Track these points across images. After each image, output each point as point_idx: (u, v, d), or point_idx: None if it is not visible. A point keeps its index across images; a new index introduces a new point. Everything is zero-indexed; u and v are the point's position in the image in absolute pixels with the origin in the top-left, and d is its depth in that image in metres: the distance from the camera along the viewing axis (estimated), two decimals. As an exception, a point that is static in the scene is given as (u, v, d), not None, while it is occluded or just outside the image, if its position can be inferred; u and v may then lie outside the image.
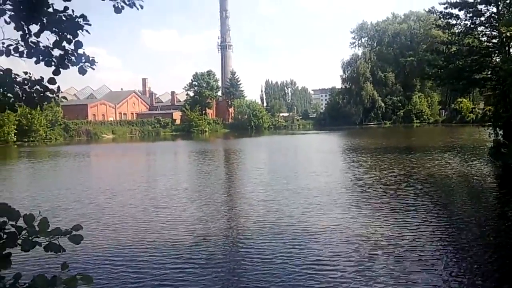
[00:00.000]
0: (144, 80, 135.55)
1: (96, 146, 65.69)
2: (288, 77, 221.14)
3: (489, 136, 32.16)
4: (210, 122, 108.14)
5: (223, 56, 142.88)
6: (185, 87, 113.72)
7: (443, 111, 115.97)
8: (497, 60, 37.59)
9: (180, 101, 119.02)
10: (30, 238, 2.62)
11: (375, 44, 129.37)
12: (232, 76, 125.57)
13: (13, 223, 2.69)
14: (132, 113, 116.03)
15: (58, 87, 3.86)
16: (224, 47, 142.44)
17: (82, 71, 3.90)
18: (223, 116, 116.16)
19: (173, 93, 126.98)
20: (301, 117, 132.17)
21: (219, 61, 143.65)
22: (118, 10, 4.20)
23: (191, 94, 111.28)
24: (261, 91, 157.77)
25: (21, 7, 3.56)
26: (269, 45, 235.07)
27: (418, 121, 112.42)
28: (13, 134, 71.43)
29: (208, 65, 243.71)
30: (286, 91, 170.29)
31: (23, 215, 2.73)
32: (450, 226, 12.55)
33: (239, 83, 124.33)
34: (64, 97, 3.97)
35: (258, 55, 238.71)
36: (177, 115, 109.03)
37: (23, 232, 2.66)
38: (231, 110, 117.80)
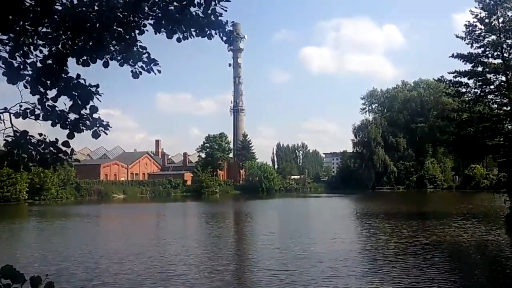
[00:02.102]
0: (157, 141, 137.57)
1: (106, 206, 65.50)
2: (299, 140, 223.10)
3: (505, 203, 31.53)
4: (221, 184, 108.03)
5: (235, 119, 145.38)
6: (197, 148, 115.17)
7: (457, 176, 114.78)
8: (509, 127, 37.68)
9: (192, 162, 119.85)
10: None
11: (385, 110, 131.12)
12: (244, 138, 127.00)
13: (18, 286, 2.63)
14: (144, 174, 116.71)
15: (72, 149, 3.94)
16: (236, 110, 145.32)
17: (96, 135, 3.99)
18: (234, 177, 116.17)
19: (185, 154, 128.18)
20: (312, 180, 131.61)
21: (231, 124, 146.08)
22: (135, 75, 4.35)
23: (203, 155, 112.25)
24: (273, 153, 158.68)
25: (40, 72, 3.71)
26: (281, 109, 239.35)
27: (431, 186, 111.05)
28: (24, 193, 71.78)
29: (220, 127, 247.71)
30: (297, 154, 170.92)
31: (30, 277, 2.67)
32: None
33: (250, 145, 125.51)
34: (77, 159, 4.01)
35: (270, 119, 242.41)
36: (188, 176, 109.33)
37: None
38: (242, 171, 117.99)
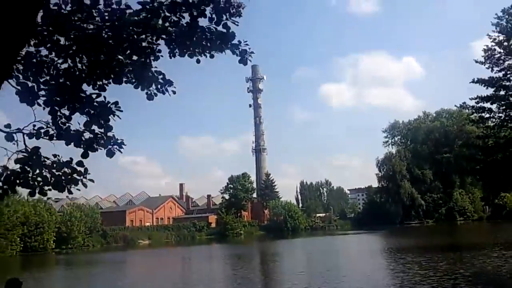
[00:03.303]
0: (181, 185, 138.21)
1: (132, 253, 65.26)
2: (323, 177, 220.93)
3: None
4: (246, 225, 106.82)
5: (258, 159, 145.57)
6: (220, 190, 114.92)
7: (487, 207, 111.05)
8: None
9: (216, 204, 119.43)
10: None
11: (408, 142, 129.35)
12: (267, 178, 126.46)
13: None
14: (168, 218, 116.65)
15: (86, 169, 3.88)
16: (258, 150, 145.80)
17: (110, 154, 3.93)
18: (258, 217, 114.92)
19: (209, 196, 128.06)
20: (338, 217, 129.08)
21: (254, 164, 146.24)
22: (150, 97, 4.34)
23: (227, 197, 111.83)
24: (296, 192, 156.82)
25: (56, 91, 3.72)
26: (303, 147, 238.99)
27: (461, 218, 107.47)
28: (52, 242, 72.20)
29: (243, 168, 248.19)
30: (321, 191, 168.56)
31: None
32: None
33: (274, 184, 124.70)
34: (91, 180, 3.94)
35: (292, 157, 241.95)
36: (212, 218, 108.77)
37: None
38: (266, 211, 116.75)
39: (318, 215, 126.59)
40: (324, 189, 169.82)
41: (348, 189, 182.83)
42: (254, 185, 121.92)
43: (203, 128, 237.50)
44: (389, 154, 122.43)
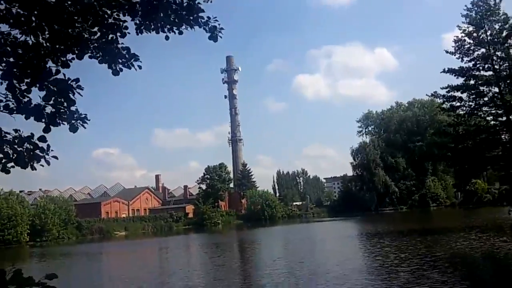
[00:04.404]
0: (157, 176, 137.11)
1: (108, 244, 64.62)
2: (299, 167, 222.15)
3: (509, 214, 31.20)
4: (223, 214, 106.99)
5: (234, 150, 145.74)
6: (197, 180, 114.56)
7: (459, 193, 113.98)
8: (506, 137, 37.67)
9: (192, 194, 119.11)
10: (-1, 289, 2.39)
11: (382, 131, 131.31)
12: (244, 168, 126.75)
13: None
14: (145, 209, 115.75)
15: (48, 145, 3.82)
16: (234, 141, 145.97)
17: (73, 129, 3.88)
18: (236, 207, 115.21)
19: (185, 187, 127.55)
20: (314, 205, 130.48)
21: (230, 154, 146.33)
22: (116, 72, 4.30)
23: (204, 187, 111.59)
24: (273, 181, 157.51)
25: (14, 66, 3.65)
26: (279, 137, 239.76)
27: (434, 204, 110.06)
28: (26, 235, 70.97)
29: (219, 158, 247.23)
30: (298, 181, 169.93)
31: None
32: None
33: (250, 174, 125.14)
34: (55, 156, 3.84)
35: (268, 148, 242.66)
36: (190, 208, 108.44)
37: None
38: (243, 201, 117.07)
39: (295, 203, 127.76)
40: (301, 178, 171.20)
41: (324, 178, 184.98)
42: (231, 175, 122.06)
43: (178, 120, 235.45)
44: (363, 143, 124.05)
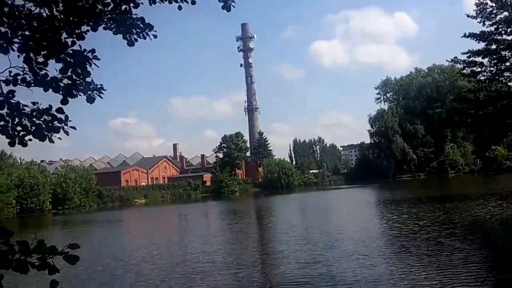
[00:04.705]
0: (174, 145, 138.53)
1: (129, 211, 66.14)
2: (316, 135, 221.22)
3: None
4: (240, 182, 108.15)
5: (250, 118, 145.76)
6: (214, 149, 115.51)
7: (478, 160, 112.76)
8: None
9: (210, 163, 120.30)
10: (23, 258, 2.46)
11: (400, 98, 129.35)
12: (260, 136, 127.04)
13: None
14: (163, 177, 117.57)
15: (66, 116, 3.86)
16: (250, 109, 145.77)
17: (90, 100, 3.91)
18: (252, 175, 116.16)
19: (203, 156, 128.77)
20: (331, 173, 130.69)
21: (247, 123, 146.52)
22: (131, 43, 4.28)
23: (221, 156, 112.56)
24: (290, 150, 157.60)
25: (30, 38, 3.66)
26: (295, 105, 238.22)
27: (453, 171, 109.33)
28: (48, 203, 72.96)
29: (236, 127, 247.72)
30: (314, 149, 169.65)
31: (16, 240, 2.59)
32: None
33: (267, 143, 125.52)
34: (73, 127, 3.91)
35: (285, 116, 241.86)
36: (207, 177, 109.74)
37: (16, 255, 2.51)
38: (260, 169, 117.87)
39: (311, 171, 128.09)
40: (317, 146, 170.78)
41: (340, 146, 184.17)
42: (248, 144, 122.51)
43: (194, 89, 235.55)
44: (381, 110, 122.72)
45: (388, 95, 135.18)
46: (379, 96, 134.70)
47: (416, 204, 33.30)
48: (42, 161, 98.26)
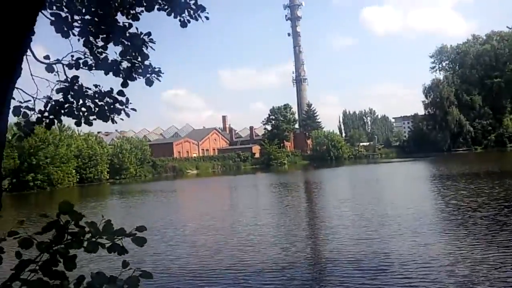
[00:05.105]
0: (224, 117, 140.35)
1: (183, 182, 68.21)
2: (366, 106, 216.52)
3: None
4: (289, 155, 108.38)
5: (298, 90, 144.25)
6: (263, 121, 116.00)
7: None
8: None
9: (258, 135, 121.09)
10: (94, 239, 2.57)
11: (457, 67, 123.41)
12: (308, 108, 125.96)
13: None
14: (213, 149, 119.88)
15: (127, 98, 3.96)
16: (299, 80, 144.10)
17: (149, 82, 3.98)
18: (301, 148, 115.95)
19: (251, 128, 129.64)
20: (382, 145, 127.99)
21: (295, 95, 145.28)
22: (184, 24, 4.28)
23: (269, 128, 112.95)
24: (339, 121, 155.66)
25: (89, 22, 3.73)
26: (345, 75, 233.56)
27: (511, 144, 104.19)
28: (106, 173, 76.53)
29: (284, 99, 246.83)
30: (365, 121, 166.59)
31: (85, 222, 2.69)
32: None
33: (315, 114, 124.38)
34: (133, 109, 4.06)
35: (334, 87, 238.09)
36: (256, 149, 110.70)
37: (87, 236, 2.62)
38: (309, 141, 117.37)
39: (361, 144, 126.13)
40: (368, 118, 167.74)
41: (392, 118, 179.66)
42: (296, 116, 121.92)
43: (242, 61, 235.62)
44: (436, 80, 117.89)
45: (444, 64, 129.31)
46: (434, 65, 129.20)
47: (474, 180, 31.92)
48: (98, 132, 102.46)
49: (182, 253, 14.05)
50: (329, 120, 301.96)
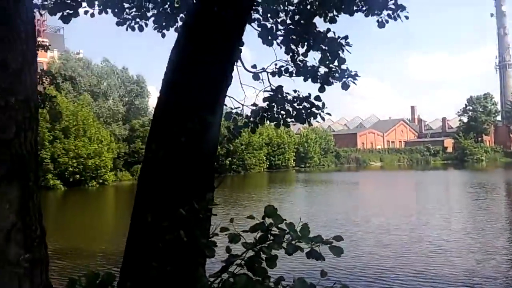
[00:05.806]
0: (412, 107, 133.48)
1: (365, 174, 67.40)
2: None
3: None
4: (488, 150, 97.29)
5: (502, 77, 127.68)
6: (457, 112, 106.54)
7: None
8: None
9: (452, 127, 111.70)
10: (293, 242, 2.71)
11: None
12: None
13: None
14: (400, 141, 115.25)
15: (323, 103, 4.07)
16: (503, 66, 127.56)
17: (345, 86, 4.00)
18: (503, 143, 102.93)
19: (444, 119, 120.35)
20: None
21: (497, 82, 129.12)
22: (381, 24, 4.17)
23: (465, 119, 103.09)
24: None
25: (290, 30, 3.93)
26: None
27: None
28: (292, 160, 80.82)
29: (484, 87, 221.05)
30: None
31: (284, 222, 2.85)
32: None
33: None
34: (329, 113, 4.18)
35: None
36: (448, 142, 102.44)
37: (286, 237, 2.78)
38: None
39: None
40: None
41: None
42: (498, 107, 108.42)
43: (435, 45, 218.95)
44: None
45: None
46: None
47: None
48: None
49: (363, 251, 13.82)
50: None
